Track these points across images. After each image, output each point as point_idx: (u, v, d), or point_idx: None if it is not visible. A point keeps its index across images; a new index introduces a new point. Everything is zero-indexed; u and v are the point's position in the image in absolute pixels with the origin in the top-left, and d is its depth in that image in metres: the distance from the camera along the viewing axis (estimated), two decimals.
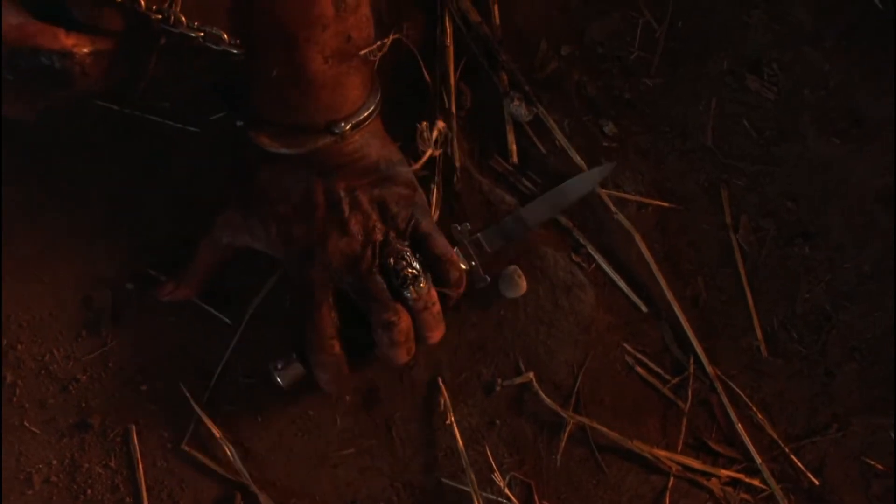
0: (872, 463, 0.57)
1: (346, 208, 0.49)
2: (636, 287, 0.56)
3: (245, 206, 0.51)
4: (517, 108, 0.56)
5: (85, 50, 0.46)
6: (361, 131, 0.48)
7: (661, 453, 0.54)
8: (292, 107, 0.47)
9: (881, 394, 0.57)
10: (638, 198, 0.56)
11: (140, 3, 0.49)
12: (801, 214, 0.59)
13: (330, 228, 0.49)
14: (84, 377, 0.54)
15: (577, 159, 0.56)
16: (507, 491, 0.53)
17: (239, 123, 0.50)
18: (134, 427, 0.53)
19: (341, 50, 0.46)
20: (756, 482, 0.56)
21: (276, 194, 0.50)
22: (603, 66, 0.59)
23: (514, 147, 0.57)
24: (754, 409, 0.56)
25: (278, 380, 0.51)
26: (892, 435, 0.61)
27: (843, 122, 0.58)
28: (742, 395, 0.57)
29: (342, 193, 0.49)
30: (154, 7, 0.51)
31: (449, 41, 0.55)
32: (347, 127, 0.47)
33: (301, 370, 0.51)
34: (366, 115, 0.48)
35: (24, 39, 0.46)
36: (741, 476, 0.56)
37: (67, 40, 0.46)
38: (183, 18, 0.51)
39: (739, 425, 0.56)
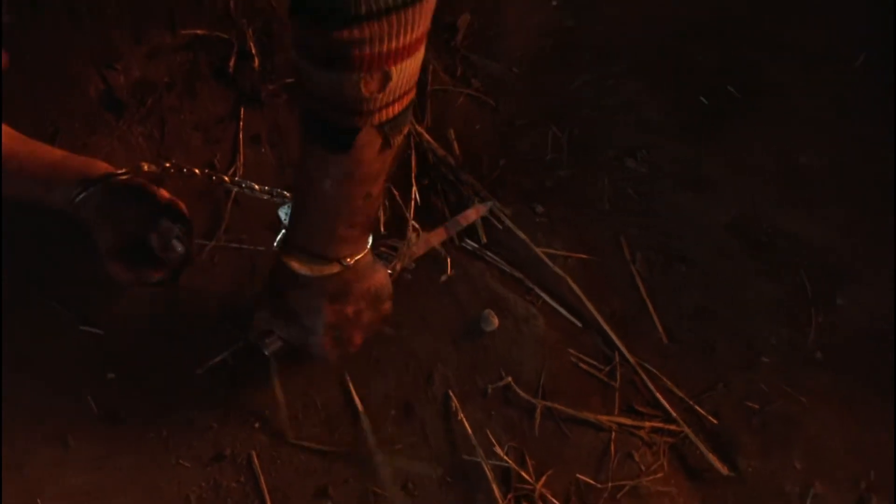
0: (751, 405, 0.84)
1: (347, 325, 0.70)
2: (571, 311, 0.83)
3: (275, 310, 0.70)
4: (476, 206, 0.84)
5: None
6: (360, 261, 0.68)
7: (604, 418, 0.80)
8: (318, 249, 0.66)
9: (747, 357, 0.84)
10: (564, 252, 0.84)
11: (225, 179, 0.76)
12: (677, 245, 0.86)
13: (327, 332, 0.69)
14: (215, 425, 0.80)
15: (520, 234, 0.84)
16: (506, 458, 0.79)
17: (277, 248, 0.70)
18: (254, 453, 0.79)
19: (362, 224, 0.66)
20: (672, 427, 0.82)
21: (302, 311, 0.69)
22: (529, 167, 0.86)
23: (482, 231, 0.85)
24: (664, 379, 0.83)
25: (265, 351, 0.73)
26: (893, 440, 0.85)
27: (694, 181, 0.86)
28: (654, 371, 0.83)
29: (350, 314, 0.69)
30: (236, 179, 0.77)
31: (413, 173, 0.82)
32: (352, 261, 0.67)
33: (280, 344, 0.72)
34: (364, 251, 0.68)
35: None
36: (662, 425, 0.82)
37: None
38: (256, 186, 0.77)
39: (656, 392, 0.83)
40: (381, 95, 0.53)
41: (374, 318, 0.72)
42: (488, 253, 0.81)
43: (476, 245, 0.82)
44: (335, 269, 0.66)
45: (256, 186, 0.74)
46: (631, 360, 0.81)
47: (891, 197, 0.85)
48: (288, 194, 0.73)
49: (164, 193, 0.74)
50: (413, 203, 0.80)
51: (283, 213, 0.72)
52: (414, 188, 0.80)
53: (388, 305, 0.72)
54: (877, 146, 0.86)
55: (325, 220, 0.63)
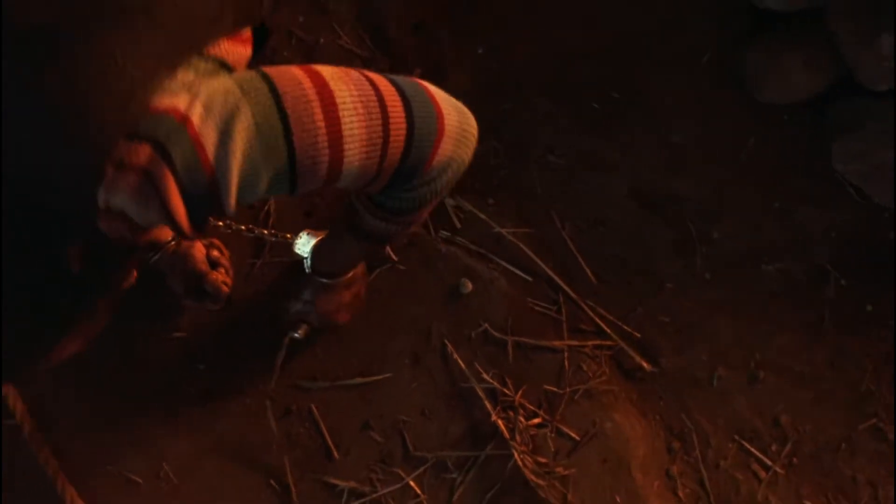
0: (663, 318, 1.14)
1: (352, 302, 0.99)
2: (524, 271, 1.13)
3: (307, 308, 0.98)
4: (454, 202, 1.14)
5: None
6: (357, 269, 0.97)
7: (557, 343, 1.10)
8: (340, 272, 0.94)
9: (655, 285, 1.15)
10: (513, 229, 1.14)
11: (264, 232, 1.06)
12: (593, 213, 1.17)
13: (342, 310, 0.99)
14: (281, 389, 1.09)
15: (483, 216, 1.14)
16: (491, 381, 1.09)
17: (308, 270, 0.98)
18: (313, 405, 1.08)
19: (370, 258, 0.99)
20: (608, 342, 1.12)
21: (326, 304, 0.97)
22: (479, 171, 1.17)
23: (456, 220, 1.16)
24: (598, 309, 1.13)
25: (296, 335, 1.01)
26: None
27: (598, 164, 1.17)
28: (590, 304, 1.13)
29: (352, 295, 0.98)
30: (271, 231, 1.08)
31: None
32: (357, 270, 0.96)
33: (307, 330, 1.02)
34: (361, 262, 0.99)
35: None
36: (600, 342, 1.12)
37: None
38: (288, 235, 1.07)
39: (594, 318, 1.13)
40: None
41: (363, 294, 1.03)
42: (458, 237, 1.12)
43: (448, 233, 1.12)
44: (348, 276, 0.95)
45: (288, 236, 1.04)
46: (573, 296, 1.12)
47: (739, 159, 1.16)
48: (307, 235, 1.03)
49: (213, 252, 1.04)
50: None
51: (298, 249, 1.02)
52: None
53: (365, 287, 1.04)
54: (726, 121, 1.17)
55: (348, 261, 0.93)
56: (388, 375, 1.08)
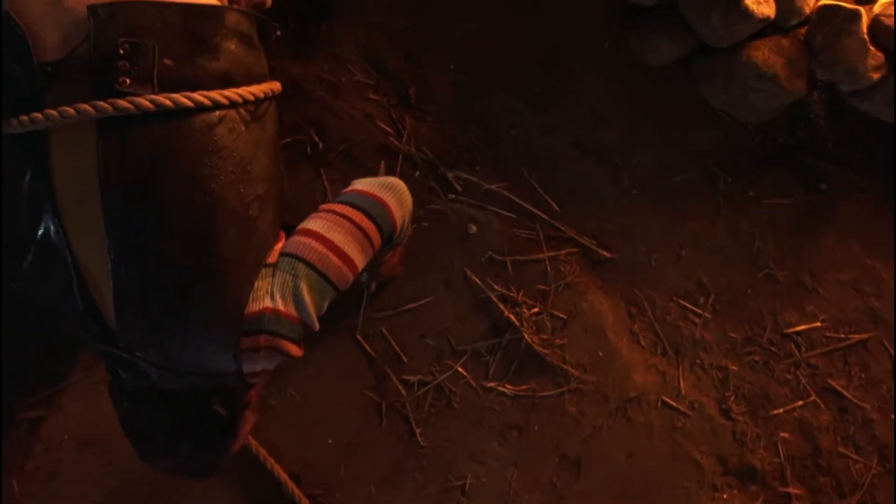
0: (611, 227, 1.64)
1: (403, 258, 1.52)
2: (510, 211, 1.63)
3: (375, 274, 1.50)
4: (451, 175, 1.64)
5: None
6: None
7: (541, 255, 1.59)
8: (384, 254, 1.52)
9: (602, 205, 1.64)
10: (496, 186, 1.64)
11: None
12: (549, 163, 1.66)
13: (398, 267, 1.53)
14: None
15: (475, 180, 1.64)
16: (500, 289, 1.58)
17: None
18: (392, 340, 1.58)
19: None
20: (576, 249, 1.62)
21: (389, 266, 1.49)
22: (469, 151, 1.66)
23: (457, 187, 1.65)
24: (564, 226, 1.63)
25: (370, 289, 1.54)
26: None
27: (548, 131, 1.66)
28: (559, 224, 1.63)
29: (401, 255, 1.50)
30: None
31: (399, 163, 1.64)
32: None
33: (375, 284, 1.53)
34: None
35: None
36: (571, 248, 1.62)
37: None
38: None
39: (566, 232, 1.63)
40: None
41: (402, 252, 1.51)
42: (461, 197, 1.61)
43: (453, 195, 1.62)
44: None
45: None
46: (546, 220, 1.61)
47: (642, 107, 1.65)
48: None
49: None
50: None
51: None
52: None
53: (403, 248, 1.51)
54: (628, 83, 1.66)
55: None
56: (430, 299, 1.58)
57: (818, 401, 1.63)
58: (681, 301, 1.62)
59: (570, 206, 1.62)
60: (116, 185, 0.92)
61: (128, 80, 0.91)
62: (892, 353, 1.64)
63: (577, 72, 1.66)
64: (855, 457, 1.63)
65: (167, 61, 0.93)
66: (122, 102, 0.90)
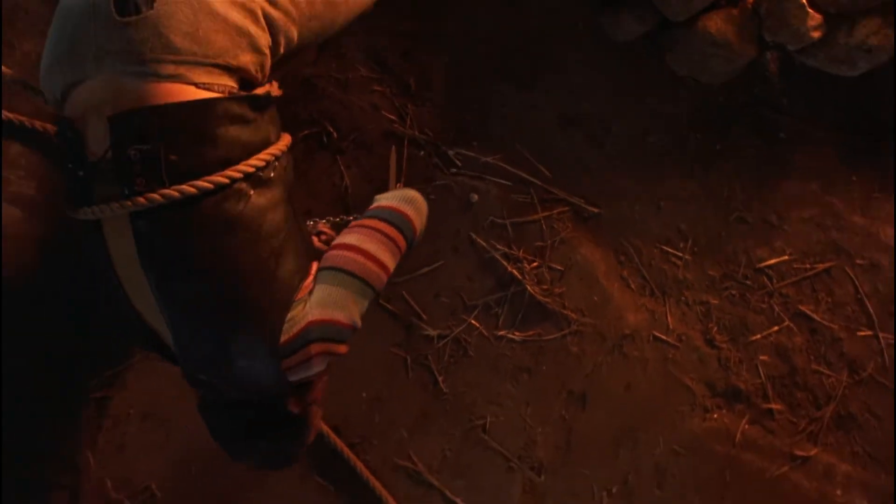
0: (599, 187, 1.85)
1: None
2: (506, 179, 1.84)
3: None
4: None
5: None
6: None
7: (537, 216, 1.79)
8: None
9: (589, 173, 1.86)
10: (492, 158, 1.86)
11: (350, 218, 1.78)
12: (540, 136, 1.87)
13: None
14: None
15: (472, 154, 1.86)
16: (502, 248, 1.80)
17: None
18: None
19: None
20: (567, 208, 1.83)
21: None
22: (462, 130, 1.88)
23: (457, 162, 1.87)
24: (556, 189, 1.84)
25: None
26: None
27: (537, 108, 1.88)
28: (550, 187, 1.85)
29: None
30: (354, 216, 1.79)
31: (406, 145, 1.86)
32: None
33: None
34: None
35: None
36: (564, 208, 1.83)
37: None
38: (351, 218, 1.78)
39: (557, 193, 1.84)
40: None
41: None
42: (462, 171, 1.83)
43: (455, 169, 1.84)
44: None
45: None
46: (539, 185, 1.83)
47: (617, 79, 1.86)
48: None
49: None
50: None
51: None
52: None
53: None
54: (602, 59, 1.87)
55: None
56: (441, 262, 1.80)
57: (791, 325, 1.84)
58: (663, 247, 1.84)
59: (560, 171, 1.83)
60: (150, 261, 1.14)
61: (143, 181, 1.10)
62: (854, 280, 1.86)
63: (556, 53, 1.87)
64: (827, 372, 1.85)
65: (172, 157, 1.09)
66: (140, 200, 1.09)
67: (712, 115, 1.85)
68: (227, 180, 1.12)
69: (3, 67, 1.54)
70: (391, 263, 1.34)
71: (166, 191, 1.09)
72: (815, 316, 1.85)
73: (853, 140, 1.84)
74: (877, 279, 1.86)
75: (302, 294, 1.24)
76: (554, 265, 1.80)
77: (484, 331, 1.80)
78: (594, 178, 1.84)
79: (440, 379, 1.80)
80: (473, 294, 1.80)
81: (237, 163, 1.13)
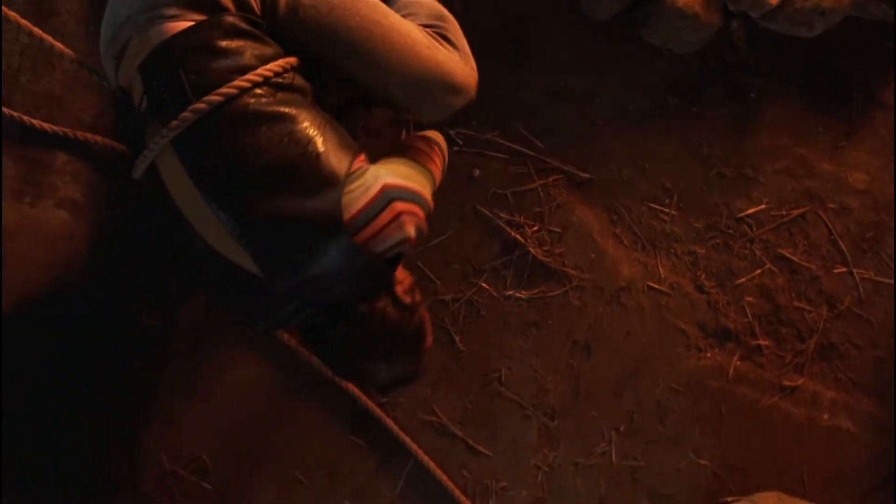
0: (585, 152, 2.04)
1: None
2: (504, 153, 2.02)
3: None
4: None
5: None
6: None
7: (532, 185, 1.97)
8: None
9: (574, 135, 2.04)
10: (491, 135, 2.04)
11: None
12: (535, 110, 2.06)
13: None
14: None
15: (472, 133, 2.04)
16: (507, 216, 1.99)
17: None
18: None
19: None
20: (562, 176, 2.01)
21: None
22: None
23: (459, 141, 2.06)
24: (549, 159, 2.03)
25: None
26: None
27: (532, 85, 2.06)
28: (545, 158, 2.03)
29: None
30: None
31: None
32: None
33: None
34: None
35: None
36: (558, 176, 2.01)
37: None
38: None
39: (551, 163, 2.03)
40: None
41: None
42: (464, 148, 2.01)
43: (457, 147, 2.02)
44: None
45: None
46: (534, 156, 2.01)
47: (599, 53, 2.04)
48: None
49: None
50: None
51: None
52: None
53: None
54: (584, 37, 2.04)
55: None
56: (450, 233, 1.97)
57: (772, 267, 2.03)
58: (650, 204, 2.02)
59: (552, 142, 2.01)
60: (201, 178, 1.21)
61: (174, 106, 1.20)
62: (827, 222, 2.05)
63: (541, 35, 2.04)
64: (808, 308, 2.04)
65: (192, 76, 1.19)
66: (174, 122, 1.19)
67: (687, 80, 2.03)
68: (247, 83, 1.19)
69: (67, 50, 1.69)
70: (437, 170, 1.40)
71: (194, 105, 1.18)
72: (793, 258, 2.04)
73: (817, 95, 2.03)
74: (848, 220, 2.04)
75: (358, 167, 1.26)
76: (553, 228, 1.99)
77: (493, 292, 1.99)
78: (583, 146, 2.02)
79: (457, 338, 1.98)
80: (481, 259, 1.98)
81: (253, 70, 1.20)
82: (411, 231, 1.28)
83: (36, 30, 1.65)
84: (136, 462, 2.01)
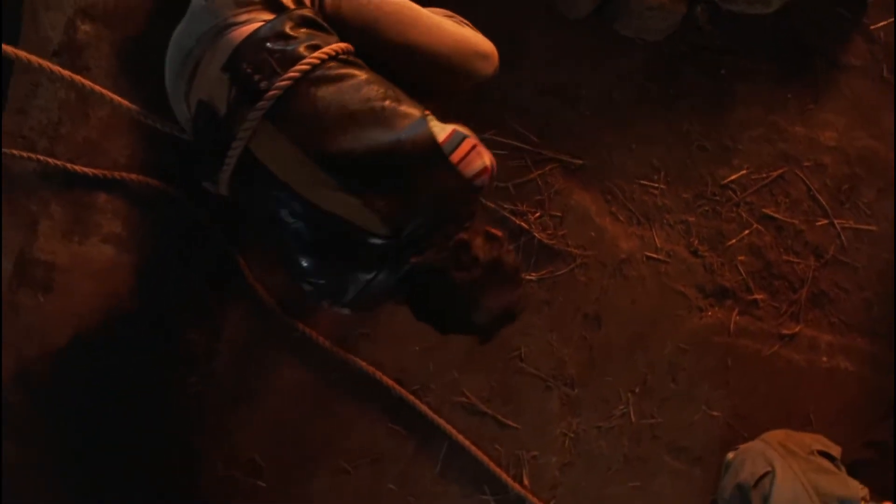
0: (576, 143, 2.22)
1: None
2: (501, 149, 2.21)
3: None
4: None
5: None
6: None
7: (531, 175, 2.16)
8: None
9: (566, 127, 2.22)
10: (487, 133, 2.23)
11: None
12: (528, 105, 2.25)
13: None
14: None
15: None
16: (510, 205, 2.17)
17: None
18: None
19: None
20: (557, 164, 2.19)
21: None
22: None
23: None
24: (545, 150, 2.21)
25: None
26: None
27: (513, 83, 2.24)
28: (540, 150, 2.21)
29: None
30: None
31: None
32: None
33: None
34: None
35: None
36: (553, 164, 2.20)
37: None
38: None
39: (546, 156, 2.21)
40: None
41: None
42: None
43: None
44: None
45: None
46: (530, 150, 2.19)
47: (580, 49, 2.23)
48: None
49: None
50: None
51: None
52: None
53: None
54: (566, 34, 2.22)
55: None
56: None
57: (759, 227, 2.22)
58: (641, 182, 2.20)
59: (546, 135, 2.18)
60: (305, 139, 1.39)
61: (265, 81, 1.39)
62: (805, 180, 2.23)
63: (527, 37, 2.22)
64: (797, 260, 2.22)
65: (277, 55, 1.40)
66: (272, 92, 1.37)
67: (662, 66, 2.21)
68: (324, 55, 1.41)
69: (129, 104, 1.89)
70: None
71: (289, 74, 1.38)
72: (777, 216, 2.22)
73: (783, 65, 2.21)
74: (824, 176, 2.23)
75: (427, 114, 1.45)
76: (554, 213, 2.17)
77: None
78: (574, 135, 2.20)
79: None
80: None
81: (322, 48, 1.42)
82: (488, 160, 1.48)
83: (97, 87, 1.84)
84: (194, 470, 2.19)
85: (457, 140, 1.44)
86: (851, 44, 2.20)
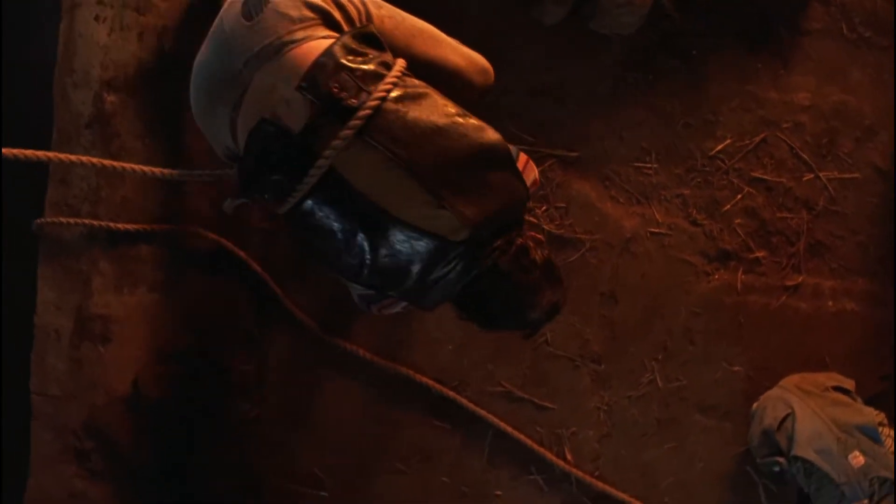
0: (569, 136, 2.39)
1: None
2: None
3: None
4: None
5: None
6: None
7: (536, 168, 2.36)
8: None
9: (558, 124, 2.40)
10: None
11: None
12: (515, 106, 2.42)
13: None
14: None
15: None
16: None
17: None
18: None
19: None
20: (555, 159, 2.36)
21: None
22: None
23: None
24: (541, 148, 2.39)
25: None
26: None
27: (506, 85, 2.42)
28: (537, 148, 2.39)
29: None
30: None
31: None
32: None
33: None
34: None
35: None
36: (552, 159, 2.38)
37: None
38: None
39: (542, 152, 2.39)
40: None
41: None
42: None
43: None
44: None
45: None
46: (527, 147, 2.36)
47: (561, 50, 2.40)
48: None
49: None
50: None
51: None
52: None
53: None
54: (547, 39, 2.39)
55: None
56: None
57: (750, 190, 2.38)
58: (634, 164, 2.37)
59: (540, 134, 2.34)
60: (400, 156, 1.40)
61: (353, 99, 1.40)
62: (786, 140, 2.39)
63: (511, 45, 2.39)
64: (790, 216, 2.38)
65: (358, 73, 1.42)
66: (365, 111, 1.39)
67: (638, 55, 2.38)
68: (399, 72, 1.45)
69: (151, 169, 2.04)
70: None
71: (378, 92, 1.40)
72: (766, 177, 2.38)
73: (750, 38, 2.38)
74: (803, 134, 2.39)
75: None
76: (558, 204, 2.34)
77: None
78: (567, 130, 2.36)
79: None
80: None
81: (392, 69, 1.46)
82: (537, 173, 1.72)
83: (127, 165, 2.01)
84: (259, 490, 2.36)
85: (515, 153, 1.63)
86: (810, 9, 2.37)
